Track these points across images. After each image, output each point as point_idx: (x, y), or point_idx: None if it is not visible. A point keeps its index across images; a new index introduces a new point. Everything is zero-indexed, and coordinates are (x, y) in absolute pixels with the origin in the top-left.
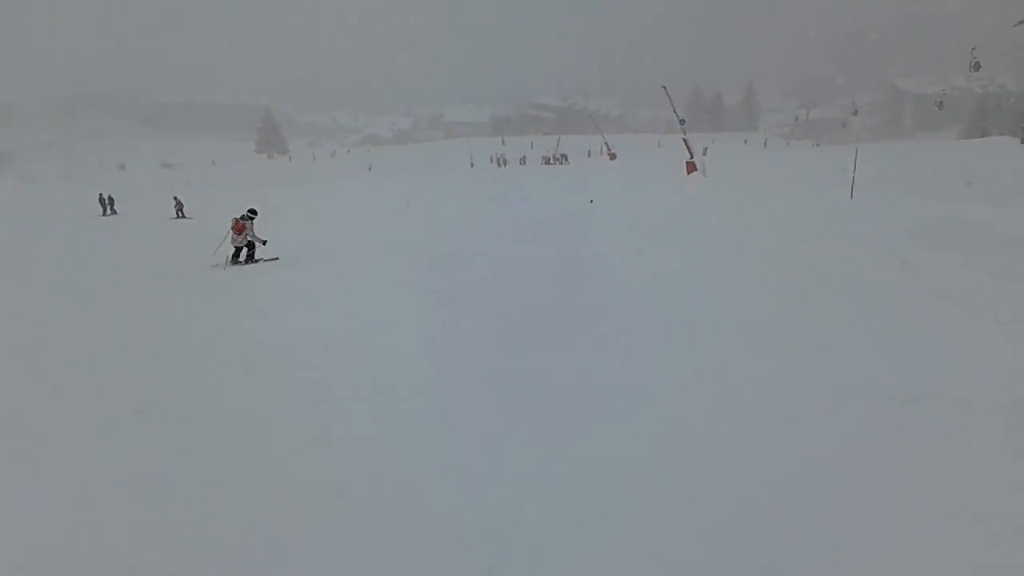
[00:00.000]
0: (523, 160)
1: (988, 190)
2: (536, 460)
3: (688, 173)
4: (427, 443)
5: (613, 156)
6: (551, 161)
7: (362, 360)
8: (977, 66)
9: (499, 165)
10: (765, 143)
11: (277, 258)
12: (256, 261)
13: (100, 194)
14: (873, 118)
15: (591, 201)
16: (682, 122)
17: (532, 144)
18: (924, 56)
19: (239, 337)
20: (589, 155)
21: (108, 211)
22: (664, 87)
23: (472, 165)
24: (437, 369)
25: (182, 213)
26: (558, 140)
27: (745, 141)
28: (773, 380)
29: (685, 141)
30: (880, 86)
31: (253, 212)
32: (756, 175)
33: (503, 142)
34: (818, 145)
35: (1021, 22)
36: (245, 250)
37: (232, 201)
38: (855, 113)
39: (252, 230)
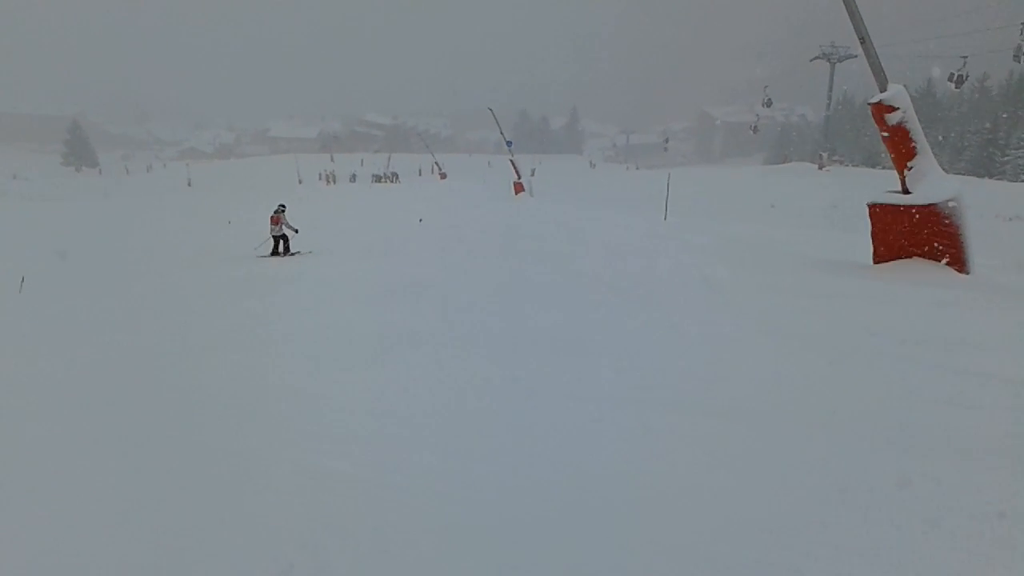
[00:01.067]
0: (353, 178)
1: (788, 212)
2: None
3: (516, 193)
4: None
5: (444, 175)
6: (382, 179)
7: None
8: (769, 102)
9: (328, 182)
10: (592, 164)
11: (311, 252)
12: (293, 254)
13: None
14: (686, 143)
15: (420, 220)
16: (509, 143)
17: (362, 161)
18: (732, 86)
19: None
20: (420, 174)
21: None
22: (491, 109)
23: (300, 182)
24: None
25: None
26: (388, 158)
27: (593, 164)
28: (564, 388)
29: (512, 162)
30: (692, 114)
31: (282, 206)
32: (581, 196)
33: (332, 159)
34: (638, 168)
35: (815, 58)
36: (283, 242)
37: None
38: (666, 141)
39: (286, 221)
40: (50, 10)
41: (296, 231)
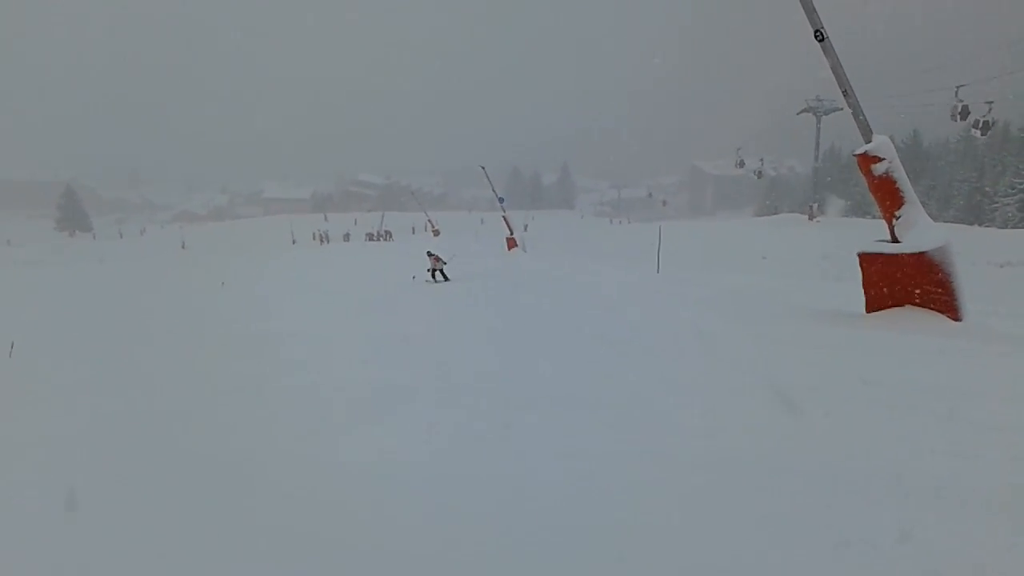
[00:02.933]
0: (347, 237)
1: (780, 263)
2: None
3: (509, 249)
4: None
5: (437, 233)
6: (375, 238)
7: None
8: (742, 163)
9: (321, 242)
10: (611, 221)
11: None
12: (447, 279)
13: None
14: (678, 197)
15: (413, 277)
16: (501, 200)
17: (356, 221)
18: (721, 140)
19: None
20: (413, 232)
21: None
22: (483, 167)
23: (294, 242)
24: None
25: None
26: (382, 217)
27: (612, 220)
28: (556, 444)
29: (505, 218)
30: (683, 168)
31: (430, 251)
32: (572, 250)
33: (326, 218)
34: (630, 222)
35: (801, 111)
36: (439, 273)
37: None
38: (649, 195)
39: (441, 260)
40: (43, 77)
41: (446, 262)
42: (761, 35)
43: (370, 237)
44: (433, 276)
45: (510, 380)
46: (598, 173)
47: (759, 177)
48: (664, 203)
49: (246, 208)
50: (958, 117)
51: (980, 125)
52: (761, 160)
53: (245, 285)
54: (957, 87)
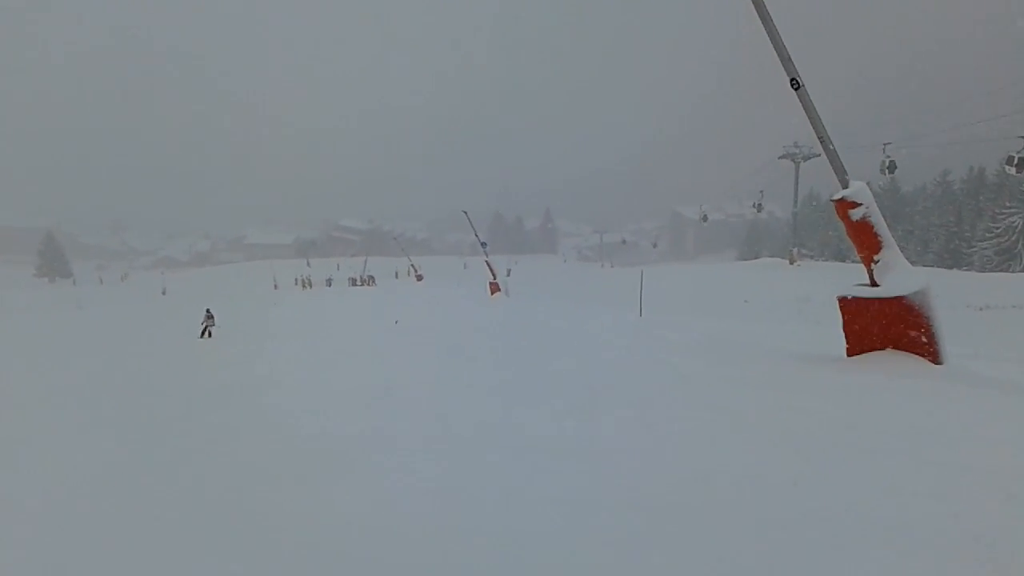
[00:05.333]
0: (329, 282)
1: (761, 307)
2: None
3: (492, 294)
4: None
5: (420, 277)
6: (358, 282)
7: None
8: (705, 218)
9: (304, 287)
10: (585, 264)
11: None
12: (210, 336)
13: None
14: (660, 241)
15: (396, 322)
16: (484, 245)
17: (338, 266)
18: (701, 187)
19: None
20: (396, 276)
21: None
22: (465, 212)
23: (276, 287)
24: None
25: None
26: (365, 261)
27: (565, 261)
28: (541, 491)
29: (488, 263)
30: (664, 213)
31: (208, 310)
32: (556, 295)
33: (308, 264)
34: (612, 267)
35: (781, 157)
36: (208, 332)
37: None
38: (623, 241)
39: (213, 319)
40: (25, 122)
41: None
42: (740, 85)
43: (353, 282)
44: (203, 333)
45: (487, 429)
46: (580, 218)
47: (758, 211)
48: (655, 245)
49: (228, 254)
50: (886, 171)
51: (1016, 163)
52: (761, 192)
53: (227, 331)
54: (884, 144)
